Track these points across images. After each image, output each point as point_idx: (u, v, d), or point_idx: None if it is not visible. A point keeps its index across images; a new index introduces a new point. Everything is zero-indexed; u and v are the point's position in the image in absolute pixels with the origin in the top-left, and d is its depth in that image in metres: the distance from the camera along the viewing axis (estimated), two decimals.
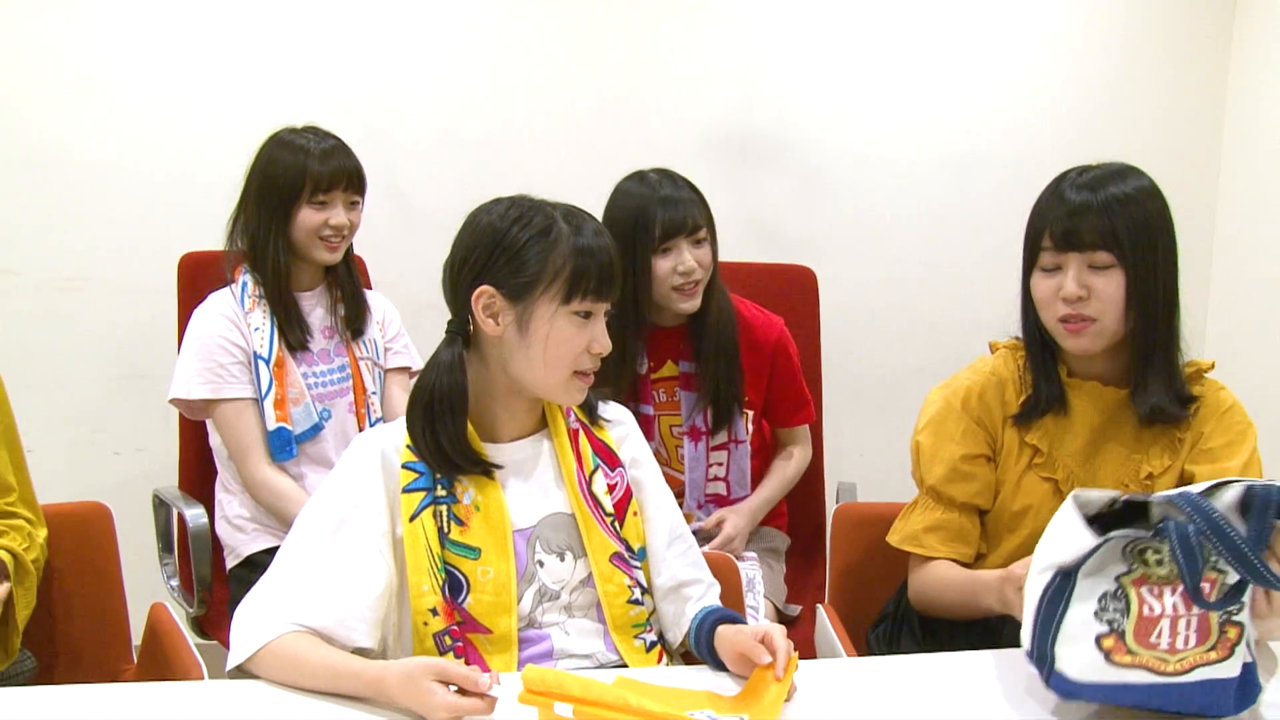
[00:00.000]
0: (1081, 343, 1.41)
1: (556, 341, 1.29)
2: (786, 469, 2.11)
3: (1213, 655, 1.12)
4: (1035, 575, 1.15)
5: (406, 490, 1.30)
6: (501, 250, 1.28)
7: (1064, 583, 1.12)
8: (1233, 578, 1.09)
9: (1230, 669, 1.13)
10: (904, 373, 2.90)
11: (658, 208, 1.88)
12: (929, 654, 1.37)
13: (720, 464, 2.02)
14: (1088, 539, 1.11)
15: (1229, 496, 1.11)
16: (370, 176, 2.04)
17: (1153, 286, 1.37)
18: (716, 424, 1.98)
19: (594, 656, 1.34)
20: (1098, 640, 1.11)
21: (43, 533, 1.47)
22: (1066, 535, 1.13)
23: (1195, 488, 1.12)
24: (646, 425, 1.98)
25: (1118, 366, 1.44)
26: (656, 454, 1.94)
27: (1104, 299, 1.37)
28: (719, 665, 1.31)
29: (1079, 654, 1.11)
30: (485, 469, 1.32)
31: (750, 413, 2.04)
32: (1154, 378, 1.40)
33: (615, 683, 1.20)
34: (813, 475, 2.21)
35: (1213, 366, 1.47)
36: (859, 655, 1.53)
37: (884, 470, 2.48)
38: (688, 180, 1.96)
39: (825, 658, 1.58)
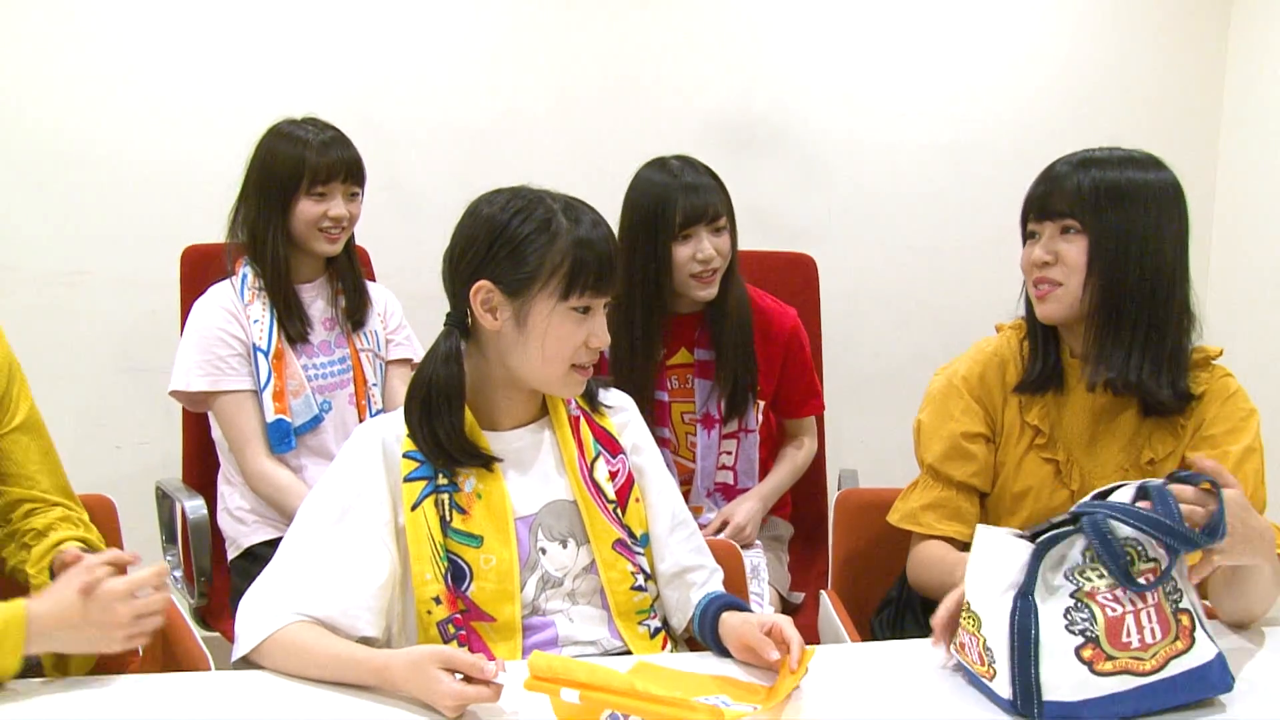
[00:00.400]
0: (1046, 308, 1.44)
1: (555, 337, 1.28)
2: (797, 457, 2.12)
3: (1179, 645, 1.14)
4: (997, 599, 1.16)
5: (408, 479, 1.30)
6: (500, 244, 1.27)
7: (1026, 603, 1.14)
8: (1164, 562, 1.14)
9: (1200, 655, 1.15)
10: (905, 359, 2.90)
11: (679, 195, 1.87)
12: (930, 638, 1.35)
13: (729, 453, 2.02)
14: (1023, 547, 1.15)
15: (1123, 497, 1.18)
16: (370, 168, 2.03)
17: (1120, 259, 1.37)
18: (730, 412, 1.99)
19: (598, 643, 1.35)
20: (1078, 652, 1.12)
21: (85, 515, 1.46)
22: (1001, 555, 1.16)
23: (1089, 496, 1.22)
24: (660, 411, 1.98)
25: (1096, 341, 1.43)
26: (666, 441, 1.99)
27: (1068, 263, 1.40)
28: (723, 652, 1.31)
29: (1065, 673, 1.12)
30: (484, 461, 1.32)
31: (761, 403, 2.04)
32: (1115, 351, 1.39)
33: (634, 668, 1.21)
34: (815, 463, 2.20)
35: (1220, 353, 1.47)
36: (863, 640, 1.53)
37: (885, 457, 2.48)
38: (708, 168, 1.95)
39: (829, 643, 1.58)
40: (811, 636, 1.76)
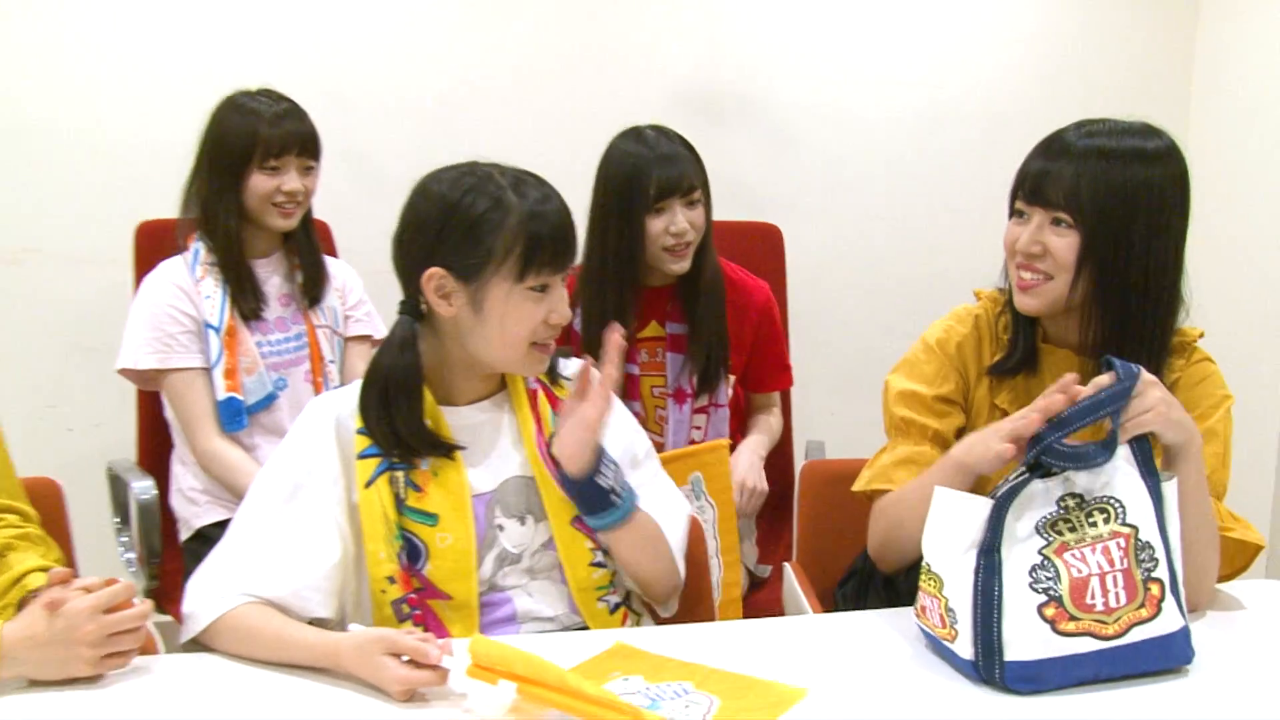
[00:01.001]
0: (1029, 301, 1.37)
1: (513, 320, 1.26)
2: (771, 422, 2.12)
3: (1144, 613, 1.14)
4: (959, 558, 1.15)
5: (362, 456, 1.29)
6: (449, 229, 1.24)
7: (989, 560, 1.13)
8: (1140, 529, 1.15)
9: (1165, 625, 1.15)
10: (874, 331, 2.89)
11: (653, 166, 1.86)
12: (893, 609, 1.35)
13: (699, 428, 2.02)
14: (983, 503, 1.14)
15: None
16: (328, 139, 2.00)
17: (1115, 260, 1.31)
18: (702, 387, 1.99)
19: (558, 619, 1.34)
20: (1040, 610, 1.12)
21: (35, 518, 1.38)
22: (960, 513, 1.15)
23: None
24: (630, 385, 1.98)
25: (1091, 337, 1.38)
26: (636, 415, 1.94)
27: (1056, 259, 1.33)
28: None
29: (1027, 631, 1.11)
30: (445, 451, 1.30)
31: (732, 377, 2.04)
32: (1131, 351, 1.31)
33: (612, 649, 1.21)
34: (782, 436, 2.20)
35: (1201, 335, 1.42)
36: (826, 612, 1.52)
37: (853, 429, 2.47)
38: (683, 138, 1.93)
39: (792, 615, 1.58)
40: (776, 609, 1.76)
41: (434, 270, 1.25)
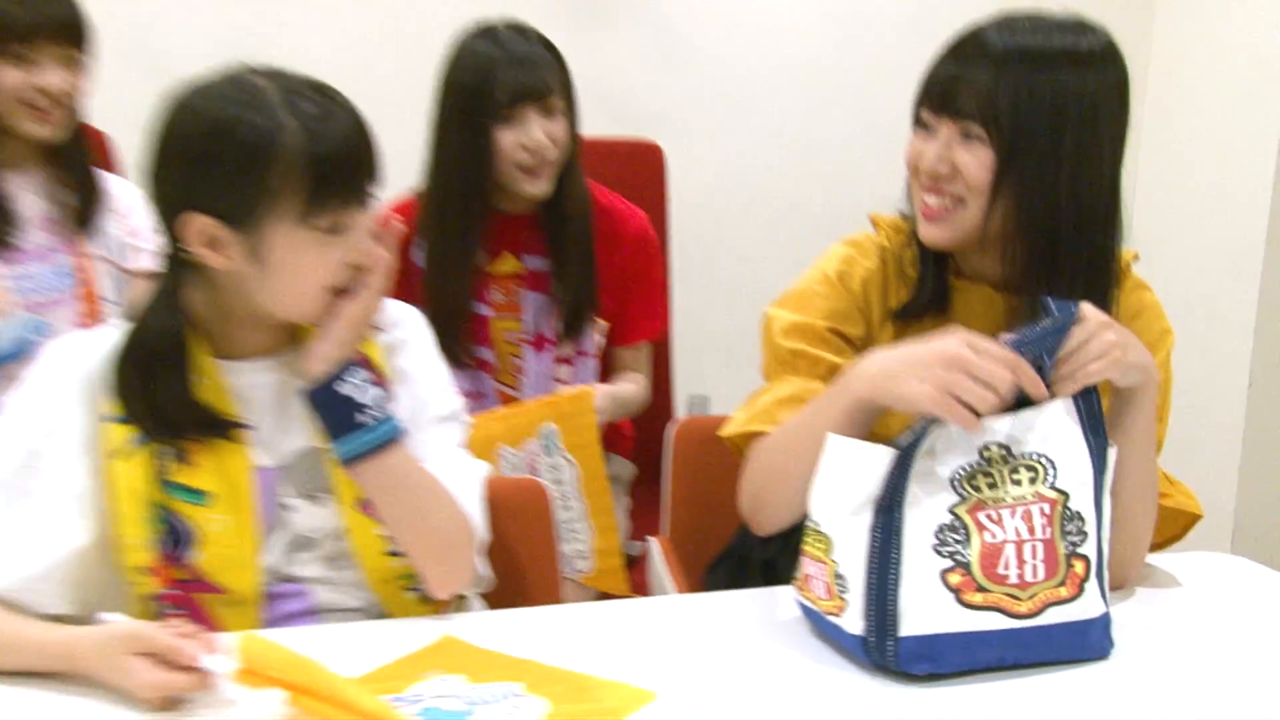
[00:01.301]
0: (935, 232, 1.32)
1: (305, 269, 1.16)
2: (639, 379, 2.07)
3: (1063, 592, 1.11)
4: (851, 517, 1.11)
5: (115, 419, 1.19)
6: (207, 164, 1.14)
7: (888, 519, 1.09)
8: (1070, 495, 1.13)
9: (1085, 609, 1.12)
10: (772, 267, 2.82)
11: (505, 68, 1.83)
12: (768, 588, 1.31)
13: (563, 380, 1.98)
14: (882, 452, 1.10)
15: None
16: (106, 26, 1.89)
17: (1037, 175, 1.26)
18: (567, 333, 1.95)
19: (366, 610, 1.28)
20: (943, 577, 1.09)
21: None
22: (856, 463, 1.11)
23: None
24: (479, 328, 1.93)
25: (1013, 271, 1.34)
26: (486, 364, 1.93)
27: (967, 180, 1.28)
28: None
29: (927, 599, 1.08)
30: (222, 430, 1.20)
31: (603, 323, 2.00)
32: (1063, 287, 1.27)
33: (439, 642, 1.19)
34: (661, 390, 2.17)
35: (1136, 258, 1.39)
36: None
37: (744, 383, 2.44)
38: (544, 37, 1.90)
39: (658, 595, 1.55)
40: (641, 589, 1.73)
41: (194, 217, 1.14)
